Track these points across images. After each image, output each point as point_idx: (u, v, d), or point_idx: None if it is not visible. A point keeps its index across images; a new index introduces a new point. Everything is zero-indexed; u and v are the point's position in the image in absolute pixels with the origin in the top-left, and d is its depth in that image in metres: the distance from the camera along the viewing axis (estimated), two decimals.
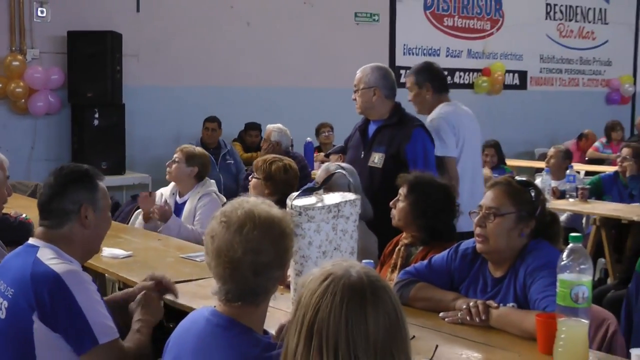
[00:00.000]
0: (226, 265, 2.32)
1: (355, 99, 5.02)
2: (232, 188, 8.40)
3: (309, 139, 9.31)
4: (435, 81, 5.41)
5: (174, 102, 9.89)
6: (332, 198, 3.35)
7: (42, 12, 9.18)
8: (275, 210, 2.42)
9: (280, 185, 4.90)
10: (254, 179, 5.06)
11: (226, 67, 10.27)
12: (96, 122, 9.02)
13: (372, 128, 5.03)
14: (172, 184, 5.74)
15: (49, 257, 2.78)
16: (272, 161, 5.02)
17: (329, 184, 4.01)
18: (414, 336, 2.90)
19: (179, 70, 10.00)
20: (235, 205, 2.39)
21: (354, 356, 1.74)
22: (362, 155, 4.96)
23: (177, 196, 5.68)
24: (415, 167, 4.63)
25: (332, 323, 1.75)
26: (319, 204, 3.25)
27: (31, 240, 2.92)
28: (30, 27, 9.16)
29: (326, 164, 5.41)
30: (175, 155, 5.63)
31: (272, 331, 2.51)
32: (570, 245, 2.72)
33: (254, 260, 2.31)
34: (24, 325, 2.67)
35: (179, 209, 5.56)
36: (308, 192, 3.45)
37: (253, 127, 9.91)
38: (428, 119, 5.26)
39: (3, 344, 2.75)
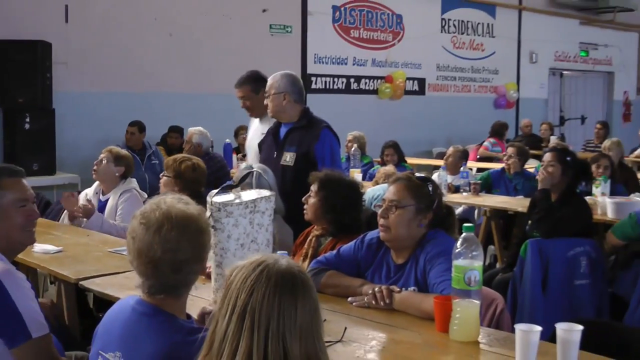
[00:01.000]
0: (147, 264, 2.29)
1: (267, 104, 5.01)
2: (157, 186, 8.27)
3: (227, 140, 9.27)
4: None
5: (101, 107, 9.71)
6: (249, 195, 3.34)
7: None
8: (191, 207, 2.39)
9: (189, 183, 4.86)
10: (164, 177, 4.99)
11: (150, 74, 10.14)
12: (27, 125, 8.80)
13: (283, 130, 5.02)
14: (96, 183, 5.63)
15: None
16: (182, 160, 4.96)
17: (256, 182, 4.02)
18: (325, 319, 2.91)
19: (106, 77, 9.83)
20: (153, 207, 2.34)
21: (282, 337, 1.74)
22: (275, 155, 4.92)
23: (101, 195, 5.58)
24: (324, 164, 4.68)
25: (266, 305, 1.75)
26: (237, 200, 3.24)
27: None
28: None
29: (244, 164, 5.40)
30: (102, 156, 5.53)
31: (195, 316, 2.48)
32: (464, 234, 2.77)
33: (172, 259, 2.28)
34: None
35: (102, 206, 5.46)
36: (227, 189, 3.43)
37: (174, 130, 9.79)
38: None
39: None
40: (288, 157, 4.86)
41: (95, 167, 5.53)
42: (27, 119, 8.75)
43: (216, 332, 1.81)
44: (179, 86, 10.39)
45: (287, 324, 1.76)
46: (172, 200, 2.39)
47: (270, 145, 5.06)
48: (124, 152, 5.75)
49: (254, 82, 5.50)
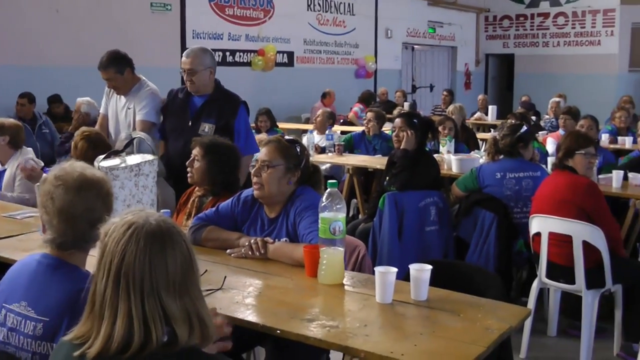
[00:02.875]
0: (67, 221, 2.24)
1: (191, 80, 4.72)
2: (49, 154, 7.94)
3: None
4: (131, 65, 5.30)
5: None
6: (134, 159, 3.26)
7: None
8: (98, 172, 2.38)
9: (88, 160, 4.67)
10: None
11: (38, 48, 9.66)
12: None
13: (197, 101, 4.79)
14: None
15: None
16: (80, 137, 4.76)
17: (137, 148, 3.91)
18: (206, 270, 2.89)
19: None
20: (67, 170, 2.30)
21: (157, 293, 1.68)
22: (190, 124, 4.69)
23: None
24: (239, 137, 4.68)
25: (137, 266, 1.68)
26: (122, 165, 3.16)
27: None
28: None
29: (127, 131, 5.23)
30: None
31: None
32: (329, 190, 2.79)
33: (90, 216, 2.24)
34: None
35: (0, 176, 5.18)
36: (113, 154, 3.34)
37: (55, 100, 9.41)
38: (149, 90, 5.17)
39: None
40: (207, 128, 4.66)
41: None
42: None
43: (96, 294, 1.73)
44: (65, 60, 9.97)
45: (159, 280, 1.69)
46: (82, 164, 2.37)
47: (182, 115, 4.79)
48: (8, 121, 5.39)
49: (117, 63, 5.14)
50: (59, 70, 9.85)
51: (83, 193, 2.26)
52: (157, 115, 5.06)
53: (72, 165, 2.35)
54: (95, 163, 3.17)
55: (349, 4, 15.01)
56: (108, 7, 10.50)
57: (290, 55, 13.72)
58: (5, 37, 9.39)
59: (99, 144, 4.69)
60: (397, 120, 5.17)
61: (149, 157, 3.34)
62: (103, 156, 3.31)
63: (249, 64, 12.84)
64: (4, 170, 5.19)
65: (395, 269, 2.58)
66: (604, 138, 8.08)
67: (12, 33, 9.45)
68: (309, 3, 14.14)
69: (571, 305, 4.67)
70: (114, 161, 3.21)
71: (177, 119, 4.81)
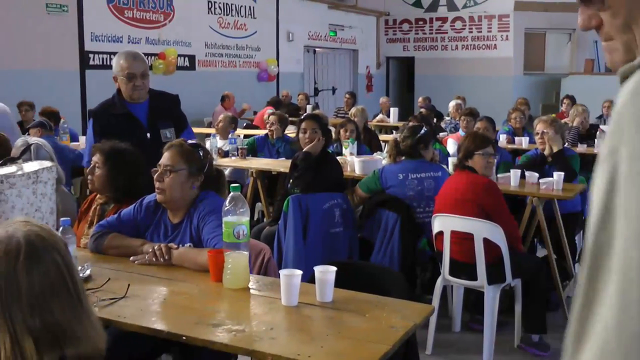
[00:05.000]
0: None
1: (142, 85, 4.35)
2: None
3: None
4: None
5: None
6: (31, 166, 3.15)
7: None
8: None
9: None
10: None
11: None
12: None
13: (139, 109, 4.35)
14: None
15: None
16: None
17: (35, 155, 3.78)
18: (109, 279, 2.83)
19: None
20: None
21: (9, 309, 1.54)
22: (149, 136, 4.31)
23: None
24: (188, 135, 4.43)
25: (13, 289, 1.55)
26: (19, 172, 3.05)
27: None
28: None
29: (24, 137, 5.07)
30: None
31: None
32: (232, 194, 2.78)
33: None
34: None
35: None
36: (9, 161, 3.22)
37: None
38: None
39: None
40: (169, 133, 4.36)
41: None
42: None
43: None
44: None
45: (11, 296, 1.55)
46: None
47: (133, 130, 4.26)
48: None
49: None
50: None
51: None
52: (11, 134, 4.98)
53: None
54: None
55: (250, 7, 14.98)
56: (1, 7, 10.11)
57: (192, 58, 13.58)
58: None
59: None
60: (309, 122, 5.17)
61: (47, 163, 3.24)
62: None
63: (150, 67, 12.62)
64: None
65: (300, 272, 2.60)
66: (502, 138, 8.38)
67: None
68: (210, 6, 14.04)
69: (473, 300, 4.83)
70: (10, 168, 3.09)
71: (129, 136, 4.09)
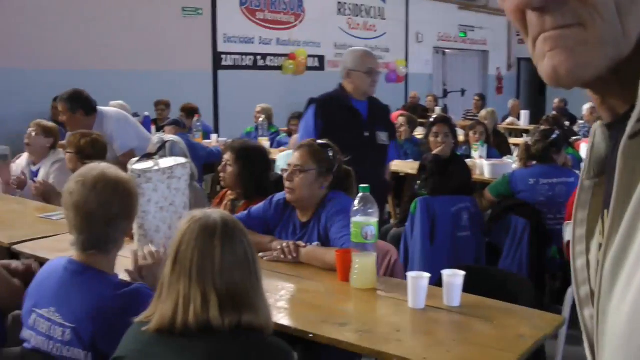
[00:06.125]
0: (82, 216, 2.27)
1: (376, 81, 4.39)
2: None
3: (147, 113, 9.06)
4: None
5: (26, 83, 9.35)
6: (166, 162, 3.28)
7: None
8: (122, 173, 2.41)
9: (89, 158, 4.75)
10: (67, 154, 4.85)
11: (70, 53, 9.79)
12: None
13: (360, 107, 4.36)
14: (26, 155, 5.44)
15: None
16: (81, 136, 4.85)
17: (169, 151, 3.94)
18: None
19: (31, 56, 9.45)
20: (88, 169, 2.36)
21: (203, 280, 1.82)
22: (368, 134, 4.31)
23: (32, 165, 5.39)
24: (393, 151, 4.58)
25: (188, 252, 1.84)
26: (155, 167, 3.18)
27: None
28: None
29: (160, 134, 5.29)
30: (31, 129, 5.33)
31: (120, 274, 2.44)
32: (360, 194, 2.79)
33: (105, 213, 2.28)
34: None
35: (34, 176, 5.29)
36: (146, 157, 3.37)
37: None
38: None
39: None
40: (383, 137, 4.39)
41: (26, 140, 5.32)
42: None
43: (163, 277, 1.88)
44: (97, 64, 10.09)
45: (206, 266, 1.82)
46: (105, 165, 2.41)
47: (354, 122, 4.30)
48: (52, 124, 5.56)
49: (70, 101, 5.43)
50: (94, 75, 9.97)
51: (99, 189, 2.28)
52: (135, 137, 5.30)
53: (96, 165, 2.39)
54: (129, 165, 3.20)
55: (379, 9, 14.99)
56: (140, 12, 10.60)
57: (321, 59, 13.74)
58: (40, 41, 9.54)
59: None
60: (441, 125, 5.13)
61: (182, 160, 3.36)
62: (137, 159, 3.34)
63: (279, 68, 12.88)
64: (38, 170, 5.31)
65: (428, 275, 2.58)
66: None
67: (47, 38, 9.59)
68: (340, 7, 14.15)
69: None
70: (147, 164, 3.23)
71: (350, 130, 4.23)
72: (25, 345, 2.34)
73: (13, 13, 9.26)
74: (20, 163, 5.50)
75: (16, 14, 9.32)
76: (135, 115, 8.10)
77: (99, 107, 5.70)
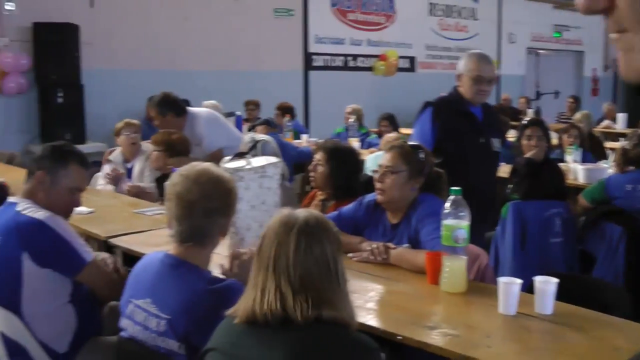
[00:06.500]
0: (183, 206, 2.34)
1: (488, 91, 4.19)
2: None
3: (238, 112, 9.22)
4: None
5: (123, 83, 9.67)
6: (258, 161, 3.33)
7: (10, 6, 8.84)
8: (224, 172, 2.49)
9: (180, 154, 4.89)
10: (155, 152, 4.97)
11: (167, 53, 10.08)
12: (59, 100, 8.81)
13: (476, 112, 4.19)
14: (118, 152, 5.61)
15: (27, 208, 2.77)
16: (170, 133, 4.98)
17: (261, 150, 4.00)
18: None
19: (128, 56, 9.78)
20: (192, 165, 2.46)
21: (277, 273, 1.86)
22: (484, 141, 4.16)
23: (126, 163, 5.58)
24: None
25: (268, 248, 1.88)
26: (248, 166, 3.23)
27: (10, 199, 2.87)
28: (0, 19, 8.84)
29: (251, 133, 5.37)
30: (134, 133, 5.53)
31: (214, 270, 2.49)
32: (452, 197, 2.77)
33: (205, 205, 2.35)
34: (13, 264, 2.65)
35: (129, 173, 5.48)
36: (238, 156, 3.43)
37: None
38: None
39: None
40: (497, 143, 4.26)
41: (132, 142, 5.50)
42: (59, 94, 8.77)
43: (254, 274, 1.94)
44: (192, 64, 10.34)
45: (280, 260, 1.86)
46: (208, 163, 2.51)
47: (470, 127, 4.14)
48: (136, 121, 5.75)
49: (160, 105, 5.57)
50: (187, 75, 10.22)
51: (202, 181, 2.36)
52: (224, 137, 5.41)
53: (200, 163, 2.48)
54: (221, 164, 3.27)
55: (471, 9, 14.79)
56: (234, 13, 10.80)
57: (412, 60, 13.66)
58: (138, 43, 9.85)
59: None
60: (536, 128, 5.03)
61: (273, 159, 3.41)
62: (229, 157, 3.41)
63: (370, 69, 12.88)
64: (132, 167, 5.49)
65: (519, 281, 2.53)
66: None
67: (144, 39, 9.90)
68: (431, 8, 14.04)
69: None
70: (239, 163, 3.29)
71: (466, 135, 4.10)
72: (122, 333, 2.43)
73: (109, 18, 9.59)
74: (115, 160, 5.69)
75: (116, 18, 9.66)
76: (230, 114, 8.28)
77: (190, 108, 5.84)
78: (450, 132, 4.02)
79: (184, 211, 2.35)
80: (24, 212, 2.72)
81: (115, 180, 5.20)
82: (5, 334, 2.62)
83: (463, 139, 4.02)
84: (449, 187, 2.79)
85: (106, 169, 5.50)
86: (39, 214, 2.72)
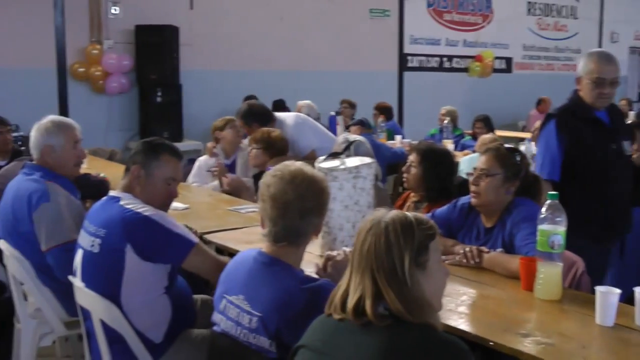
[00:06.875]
0: (279, 207, 2.36)
1: (611, 93, 3.81)
2: None
3: (332, 113, 9.27)
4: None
5: (220, 83, 9.88)
6: (352, 161, 3.33)
7: (115, 10, 9.20)
8: (317, 172, 2.48)
9: (278, 152, 4.93)
10: (253, 150, 5.03)
11: (262, 53, 10.24)
12: (159, 99, 9.09)
13: (602, 116, 3.85)
14: (219, 148, 5.74)
15: (130, 202, 2.84)
16: (269, 132, 5.03)
17: (355, 151, 4.00)
18: None
19: (225, 57, 9.99)
20: (285, 165, 2.46)
21: (362, 270, 1.85)
22: (615, 147, 3.83)
23: (225, 159, 5.70)
24: None
25: (359, 247, 1.88)
26: (342, 167, 3.24)
27: (112, 193, 2.95)
28: (106, 23, 9.19)
29: (345, 134, 5.38)
30: (233, 131, 5.67)
31: (307, 270, 2.50)
32: (549, 201, 2.70)
33: (301, 205, 2.36)
34: (116, 255, 2.73)
35: (229, 167, 5.61)
36: (332, 156, 3.44)
37: (279, 104, 9.79)
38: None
39: (96, 272, 2.80)
40: (627, 146, 3.93)
41: (241, 140, 5.73)
42: (159, 94, 9.06)
43: (347, 272, 1.94)
44: (288, 64, 10.47)
45: (365, 258, 1.85)
46: (300, 162, 2.50)
47: (599, 134, 3.79)
48: (230, 118, 5.89)
49: (244, 117, 5.67)
50: (283, 75, 10.35)
51: (297, 182, 2.36)
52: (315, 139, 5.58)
53: (292, 163, 2.48)
54: (316, 164, 3.29)
55: (571, 7, 14.38)
56: (329, 14, 10.86)
57: (509, 61, 13.41)
58: (235, 44, 10.03)
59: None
60: (638, 131, 4.85)
61: (367, 159, 3.40)
62: (323, 157, 3.42)
63: (466, 70, 12.71)
64: (232, 162, 5.61)
65: (618, 290, 2.44)
66: None
67: (241, 40, 10.07)
68: (530, 7, 13.73)
69: None
70: (333, 163, 3.30)
71: (595, 146, 3.76)
72: (215, 328, 2.47)
73: (207, 19, 9.80)
74: (203, 158, 5.84)
75: (214, 19, 9.87)
76: (337, 114, 8.37)
77: (277, 114, 5.91)
78: (579, 143, 3.72)
79: (279, 212, 2.36)
80: (128, 206, 2.80)
81: (222, 173, 5.32)
82: (105, 321, 2.71)
83: (594, 148, 3.70)
84: (553, 194, 2.71)
85: (209, 163, 5.63)
86: (143, 209, 2.79)
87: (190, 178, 5.69)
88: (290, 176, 2.38)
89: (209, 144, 5.84)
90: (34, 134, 3.62)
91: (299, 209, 2.36)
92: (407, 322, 1.80)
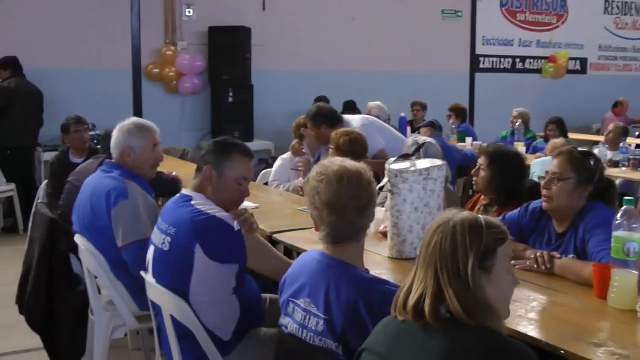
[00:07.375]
0: (337, 212, 2.34)
1: None
2: None
3: (403, 114, 9.22)
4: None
5: (291, 84, 9.96)
6: (423, 163, 3.32)
7: (189, 12, 9.38)
8: (357, 164, 2.45)
9: (347, 155, 4.91)
10: (330, 149, 5.07)
11: (334, 54, 10.28)
12: (230, 99, 9.22)
13: None
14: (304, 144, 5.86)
15: (201, 203, 2.88)
16: (341, 135, 5.02)
17: (424, 153, 3.98)
18: None
19: (296, 57, 10.06)
20: (326, 165, 2.42)
21: (426, 270, 1.85)
22: None
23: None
24: None
25: (425, 249, 1.88)
26: (412, 168, 3.23)
27: (184, 191, 3.00)
28: (180, 25, 9.39)
29: (414, 136, 5.36)
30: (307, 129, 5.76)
31: (372, 269, 2.50)
32: (624, 207, 2.63)
33: (356, 204, 2.35)
34: (186, 254, 2.77)
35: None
36: (403, 158, 3.44)
37: (349, 105, 9.78)
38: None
39: (167, 268, 2.86)
40: None
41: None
42: (230, 94, 9.19)
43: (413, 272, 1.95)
44: (359, 65, 10.48)
45: (428, 258, 1.86)
46: (340, 159, 2.48)
47: None
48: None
49: (312, 119, 5.68)
50: (354, 76, 10.36)
51: (346, 183, 2.34)
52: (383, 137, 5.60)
53: (331, 161, 2.45)
54: (386, 165, 3.28)
55: None
56: (401, 15, 10.83)
57: (584, 62, 13.09)
58: (306, 45, 10.10)
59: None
60: None
61: (438, 162, 3.38)
62: (394, 159, 3.42)
63: (539, 71, 12.48)
64: (317, 160, 5.68)
65: None
66: None
67: (312, 41, 10.13)
68: (607, 6, 13.37)
69: None
70: (404, 164, 3.29)
71: None
72: (283, 329, 2.49)
73: (280, 20, 9.89)
74: (286, 156, 5.89)
75: (286, 20, 9.95)
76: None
77: (345, 116, 5.92)
78: None
79: (337, 217, 2.35)
80: (199, 207, 2.85)
81: (309, 168, 5.38)
82: (175, 317, 2.76)
83: None
84: (629, 199, 2.64)
85: (294, 161, 5.68)
86: (214, 210, 2.83)
87: (271, 177, 5.74)
88: (336, 177, 2.35)
89: (295, 142, 5.89)
90: (116, 134, 3.72)
91: (357, 208, 2.35)
92: (466, 325, 1.78)
